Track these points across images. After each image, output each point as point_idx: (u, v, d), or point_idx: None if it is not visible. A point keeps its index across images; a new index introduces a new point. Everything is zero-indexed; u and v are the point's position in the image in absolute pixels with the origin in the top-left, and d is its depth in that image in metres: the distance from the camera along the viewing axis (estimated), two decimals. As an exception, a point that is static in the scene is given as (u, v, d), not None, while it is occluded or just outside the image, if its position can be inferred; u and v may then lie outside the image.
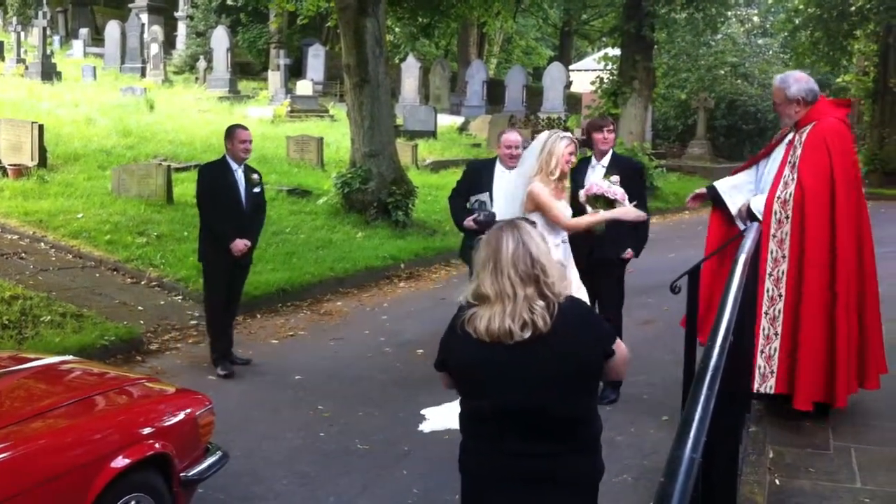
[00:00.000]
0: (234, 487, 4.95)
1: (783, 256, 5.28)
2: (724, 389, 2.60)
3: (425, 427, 5.95)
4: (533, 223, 2.99)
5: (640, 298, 8.63)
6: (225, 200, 7.07)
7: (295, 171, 15.58)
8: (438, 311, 8.24)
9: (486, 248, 2.83)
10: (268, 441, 5.73)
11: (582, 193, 5.81)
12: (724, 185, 5.88)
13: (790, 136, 5.51)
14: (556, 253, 5.14)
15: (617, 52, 20.77)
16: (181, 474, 4.05)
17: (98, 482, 3.56)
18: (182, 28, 31.12)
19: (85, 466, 3.55)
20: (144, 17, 29.41)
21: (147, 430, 3.92)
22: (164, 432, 3.98)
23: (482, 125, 23.29)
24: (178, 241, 10.52)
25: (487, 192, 6.67)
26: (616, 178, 5.77)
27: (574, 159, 5.62)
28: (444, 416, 5.84)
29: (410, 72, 26.33)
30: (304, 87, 24.61)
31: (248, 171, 7.24)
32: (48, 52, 24.93)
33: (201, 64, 27.36)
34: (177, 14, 31.40)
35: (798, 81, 5.45)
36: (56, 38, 30.78)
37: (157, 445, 3.88)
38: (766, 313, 5.29)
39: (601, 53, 22.92)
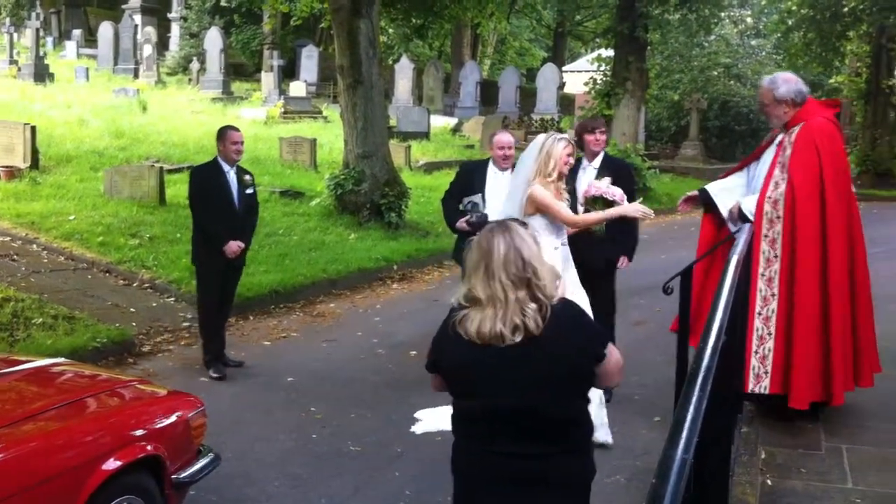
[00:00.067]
0: (227, 489, 4.94)
1: (775, 256, 5.29)
2: (717, 390, 2.60)
3: (418, 429, 5.95)
4: (524, 224, 2.98)
5: (632, 300, 8.64)
6: (217, 202, 7.06)
7: (288, 173, 15.55)
8: (431, 313, 8.23)
9: (478, 251, 2.80)
10: (260, 443, 5.72)
11: (581, 196, 5.82)
12: (715, 188, 5.90)
13: (780, 138, 5.53)
14: (554, 255, 5.14)
15: (610, 53, 20.74)
16: (173, 476, 4.05)
17: (90, 484, 3.55)
18: (175, 29, 31.03)
19: (76, 469, 3.54)
20: (138, 19, 29.35)
21: (139, 433, 3.91)
22: (156, 434, 3.98)
23: (475, 126, 23.28)
24: (170, 242, 10.49)
25: (480, 194, 6.67)
26: (608, 179, 5.77)
27: (572, 161, 5.63)
28: (436, 418, 5.83)
29: (404, 73, 26.30)
30: (297, 89, 24.56)
31: (241, 172, 7.24)
32: (41, 53, 24.87)
33: (194, 65, 27.30)
34: (170, 15, 31.32)
35: (787, 82, 5.47)
36: (49, 40, 30.69)
37: (148, 447, 3.87)
38: (760, 313, 5.30)
39: (594, 54, 22.84)
